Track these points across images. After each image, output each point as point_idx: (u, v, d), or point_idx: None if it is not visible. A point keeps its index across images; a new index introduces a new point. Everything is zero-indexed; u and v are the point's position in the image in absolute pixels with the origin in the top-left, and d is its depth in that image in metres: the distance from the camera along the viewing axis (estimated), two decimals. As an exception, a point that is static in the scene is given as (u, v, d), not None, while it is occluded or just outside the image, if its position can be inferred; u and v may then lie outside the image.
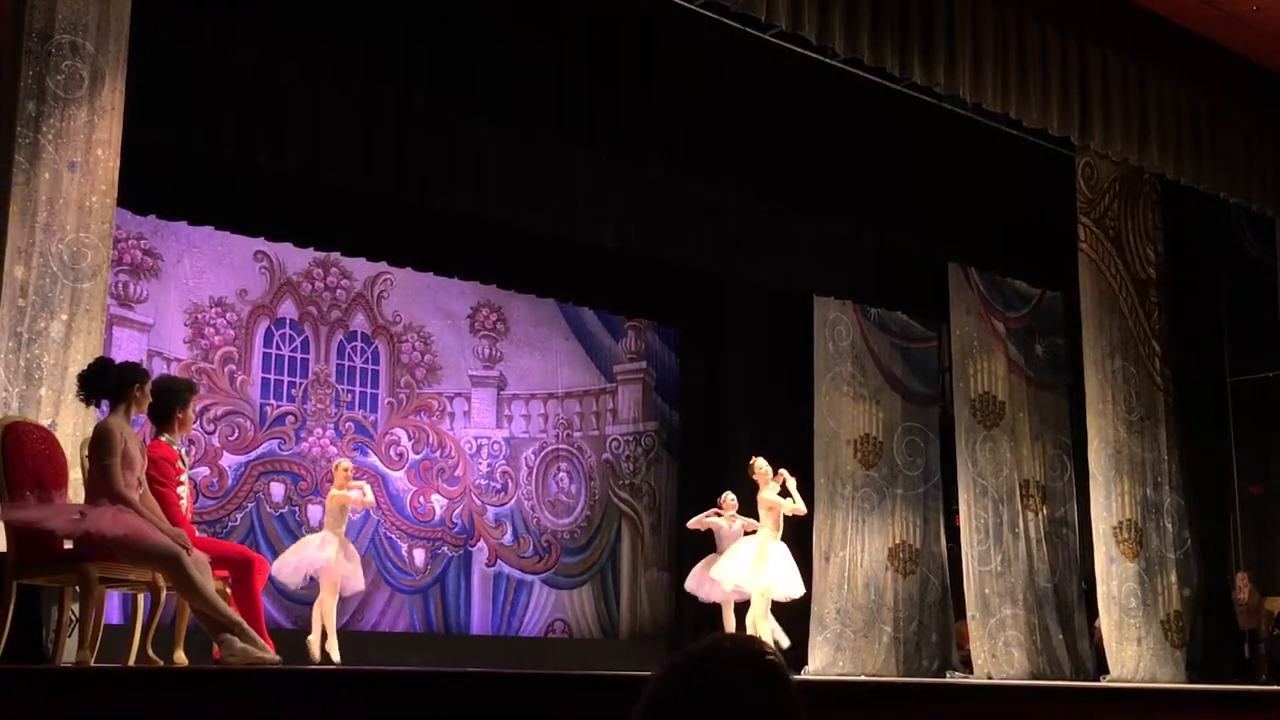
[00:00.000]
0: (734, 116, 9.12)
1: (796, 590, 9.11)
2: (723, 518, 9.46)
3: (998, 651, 10.86)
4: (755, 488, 9.22)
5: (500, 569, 11.90)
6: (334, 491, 8.73)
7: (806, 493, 11.16)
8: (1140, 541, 10.32)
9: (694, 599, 9.97)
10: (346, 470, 8.85)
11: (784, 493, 9.14)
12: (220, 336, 10.70)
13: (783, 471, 9.23)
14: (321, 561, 8.39)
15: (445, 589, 11.56)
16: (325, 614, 8.43)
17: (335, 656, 8.31)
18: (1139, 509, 10.36)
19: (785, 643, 8.85)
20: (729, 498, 9.55)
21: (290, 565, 8.51)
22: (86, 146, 5.98)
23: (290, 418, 10.99)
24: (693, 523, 9.67)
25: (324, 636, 8.39)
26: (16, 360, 5.68)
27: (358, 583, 8.77)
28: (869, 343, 12.20)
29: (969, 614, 11.21)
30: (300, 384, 11.09)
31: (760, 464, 9.16)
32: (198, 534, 5.99)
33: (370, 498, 8.96)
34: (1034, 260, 11.12)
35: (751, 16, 7.86)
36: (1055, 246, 10.82)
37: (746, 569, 8.93)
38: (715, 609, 9.68)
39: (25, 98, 5.82)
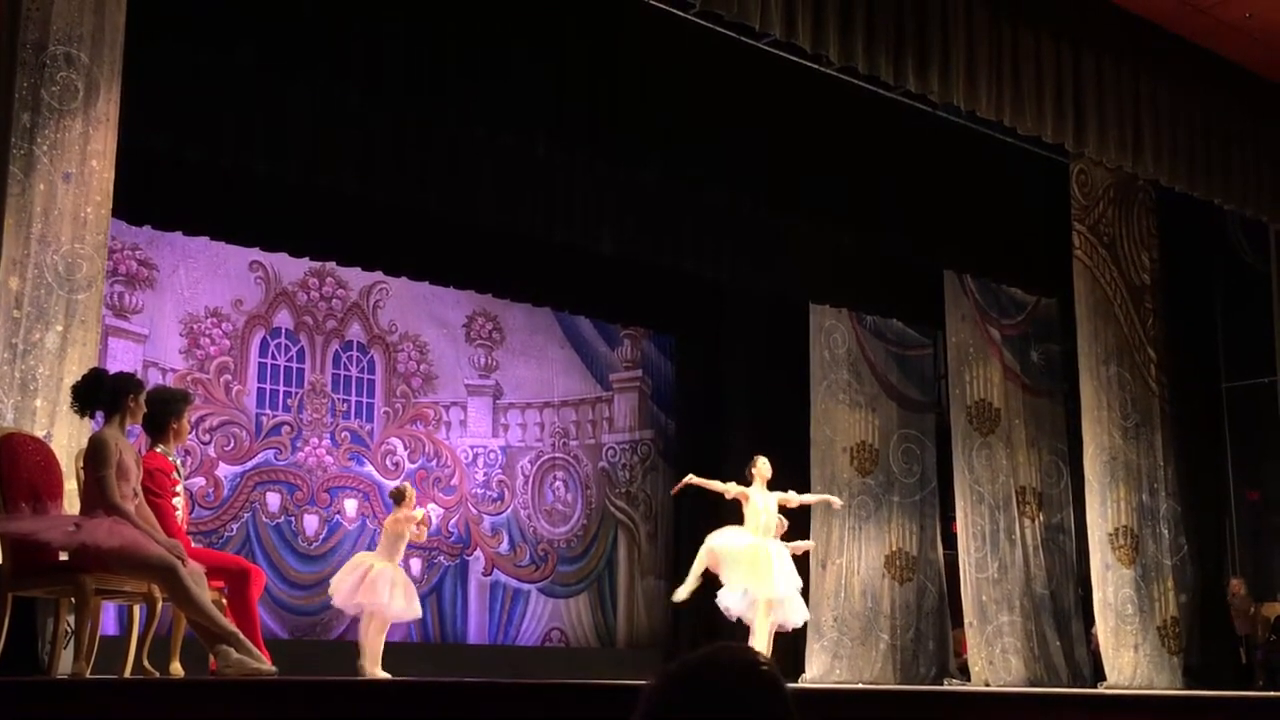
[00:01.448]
0: (729, 124, 9.14)
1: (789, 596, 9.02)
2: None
3: (995, 659, 10.86)
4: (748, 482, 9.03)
5: (497, 578, 11.88)
6: (395, 515, 8.50)
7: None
8: (1137, 548, 10.32)
9: (691, 608, 9.88)
10: (412, 495, 8.64)
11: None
12: (216, 347, 10.69)
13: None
14: (394, 612, 8.24)
15: (442, 598, 11.54)
16: (373, 645, 8.27)
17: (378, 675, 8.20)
18: (1135, 515, 10.37)
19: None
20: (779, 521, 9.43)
21: (352, 599, 8.28)
22: (81, 157, 5.98)
23: (286, 428, 10.98)
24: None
25: (360, 653, 8.28)
26: (11, 372, 5.67)
27: (415, 613, 8.58)
28: (865, 350, 12.21)
29: (966, 621, 11.21)
30: (296, 394, 11.09)
31: (763, 462, 9.00)
32: (193, 545, 5.97)
33: (427, 527, 8.70)
34: (1029, 267, 11.13)
35: (746, 25, 7.88)
36: (1050, 253, 10.85)
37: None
38: (713, 618, 9.60)
39: (20, 109, 5.82)
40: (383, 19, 7.85)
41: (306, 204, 9.68)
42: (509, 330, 12.35)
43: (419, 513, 8.53)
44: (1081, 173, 10.68)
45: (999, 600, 11.01)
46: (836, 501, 10.07)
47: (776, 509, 8.86)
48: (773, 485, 9.09)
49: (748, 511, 8.79)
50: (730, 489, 8.85)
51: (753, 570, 8.57)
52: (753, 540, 8.64)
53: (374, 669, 8.25)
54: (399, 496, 8.61)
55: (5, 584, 5.00)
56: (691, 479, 9.04)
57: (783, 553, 8.79)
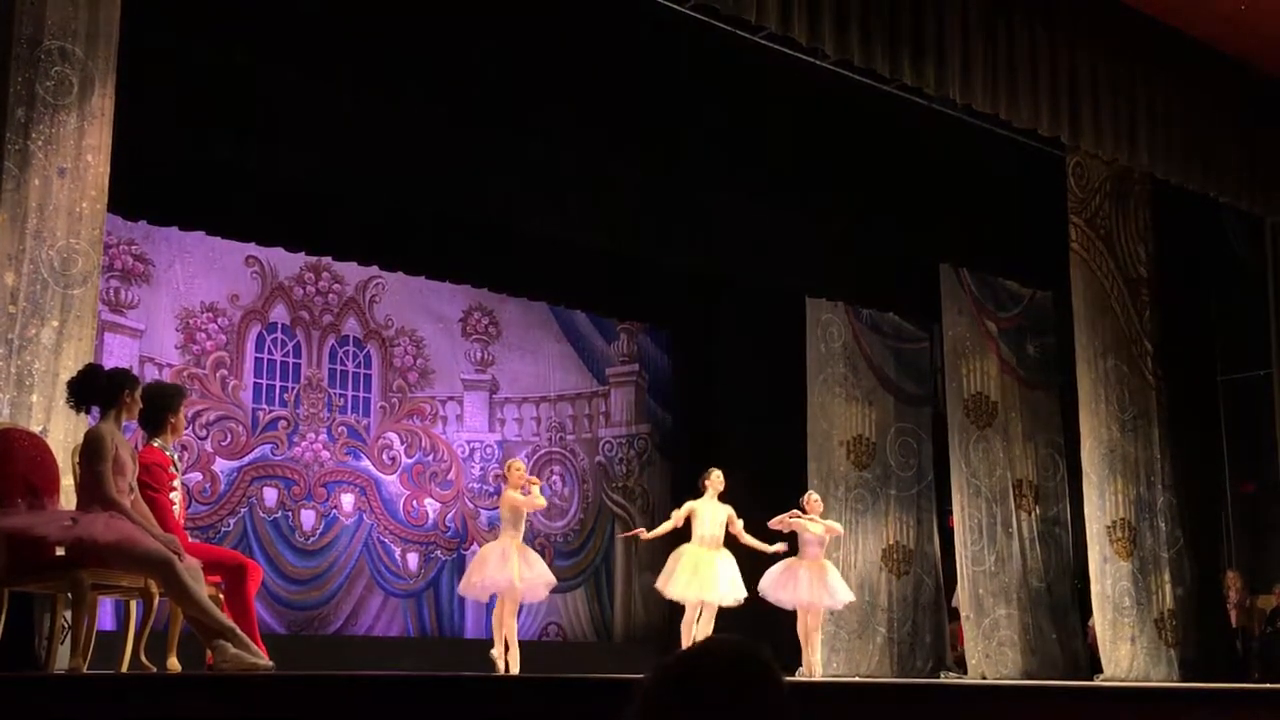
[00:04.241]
0: (726, 118, 9.13)
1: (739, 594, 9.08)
2: (804, 519, 9.33)
3: (991, 652, 10.87)
4: (699, 494, 9.16)
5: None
6: (507, 493, 8.46)
7: (800, 494, 11.13)
8: (1134, 540, 10.34)
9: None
10: (520, 470, 8.53)
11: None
12: (212, 341, 10.68)
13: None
14: (504, 581, 8.18)
15: (439, 593, 11.53)
16: (505, 626, 8.26)
17: (515, 668, 8.15)
18: (1132, 508, 10.38)
19: None
20: (813, 497, 9.46)
21: (476, 586, 8.33)
22: (76, 152, 5.97)
23: (283, 422, 10.97)
24: (774, 523, 9.28)
25: (506, 648, 8.22)
26: (7, 367, 5.67)
27: (539, 592, 8.53)
28: (861, 344, 12.21)
29: (963, 614, 11.22)
30: (292, 388, 11.07)
31: (716, 475, 9.14)
32: (190, 539, 5.97)
33: (541, 500, 8.54)
34: (1025, 260, 11.14)
35: (742, 19, 7.88)
36: (1046, 246, 10.85)
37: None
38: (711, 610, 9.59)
39: (14, 104, 5.80)
40: (377, 14, 7.83)
41: (302, 199, 9.68)
42: (505, 325, 12.34)
43: (514, 495, 8.37)
44: (1078, 166, 10.68)
45: (996, 593, 11.02)
46: (769, 549, 9.88)
47: (724, 522, 8.99)
48: (768, 484, 9.19)
49: (695, 522, 8.96)
50: (678, 517, 9.16)
51: (694, 576, 8.89)
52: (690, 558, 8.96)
53: (511, 658, 8.21)
54: (506, 473, 8.63)
55: (2, 580, 5.00)
56: (641, 534, 9.56)
57: (728, 564, 9.01)
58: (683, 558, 9.04)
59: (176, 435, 5.83)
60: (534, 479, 8.66)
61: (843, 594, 9.49)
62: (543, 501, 8.69)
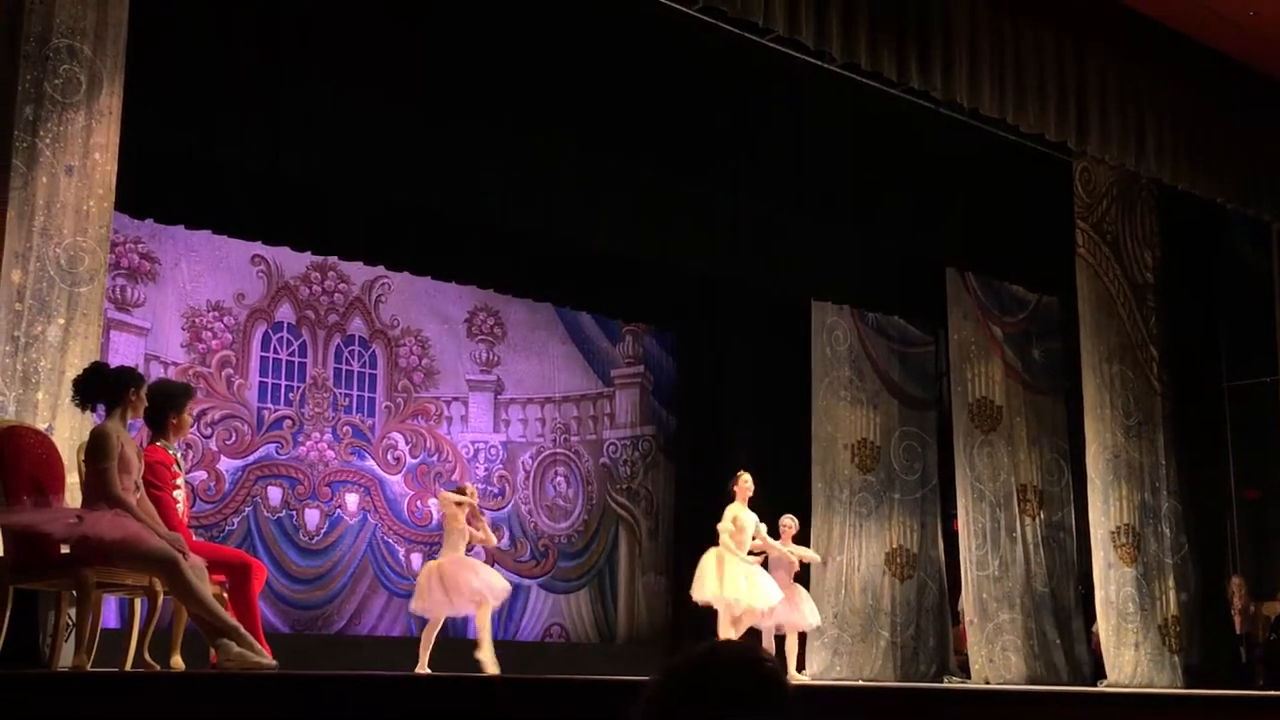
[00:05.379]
0: (731, 120, 9.13)
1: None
2: (790, 547, 9.28)
3: (995, 656, 10.87)
4: (731, 498, 9.07)
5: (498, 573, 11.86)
6: (451, 505, 8.61)
7: (804, 497, 11.15)
8: (1138, 546, 10.33)
9: (689, 602, 9.78)
10: (472, 494, 8.72)
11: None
12: (218, 340, 10.69)
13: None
14: (469, 603, 8.29)
15: (442, 593, 11.51)
16: (481, 626, 8.29)
17: (492, 668, 8.17)
18: (1137, 514, 10.37)
19: None
20: (785, 523, 9.42)
21: (440, 604, 8.32)
22: (84, 150, 5.98)
23: (288, 421, 10.98)
24: (764, 547, 9.25)
25: (478, 645, 8.24)
26: (13, 364, 5.68)
27: (500, 595, 8.51)
28: (867, 347, 12.21)
29: (966, 619, 11.21)
30: (298, 388, 11.08)
31: (747, 479, 9.08)
32: (194, 538, 5.98)
33: (493, 540, 8.77)
34: (1031, 265, 11.14)
35: (749, 21, 7.88)
36: (1053, 251, 10.84)
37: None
38: (714, 615, 9.58)
39: (22, 102, 5.82)
40: (384, 14, 7.84)
41: (308, 198, 9.69)
42: (510, 326, 12.34)
43: (450, 496, 8.49)
44: (1085, 170, 10.67)
45: (999, 598, 11.01)
46: (808, 558, 9.79)
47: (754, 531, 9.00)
48: (773, 487, 9.14)
49: (741, 531, 8.90)
50: (744, 525, 8.97)
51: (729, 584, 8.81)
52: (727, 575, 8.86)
53: (484, 655, 8.20)
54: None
55: (7, 577, 5.01)
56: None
57: (757, 572, 8.95)
58: (725, 564, 8.91)
59: (181, 434, 5.83)
60: (480, 515, 8.69)
61: (813, 617, 9.46)
62: (494, 541, 8.76)
